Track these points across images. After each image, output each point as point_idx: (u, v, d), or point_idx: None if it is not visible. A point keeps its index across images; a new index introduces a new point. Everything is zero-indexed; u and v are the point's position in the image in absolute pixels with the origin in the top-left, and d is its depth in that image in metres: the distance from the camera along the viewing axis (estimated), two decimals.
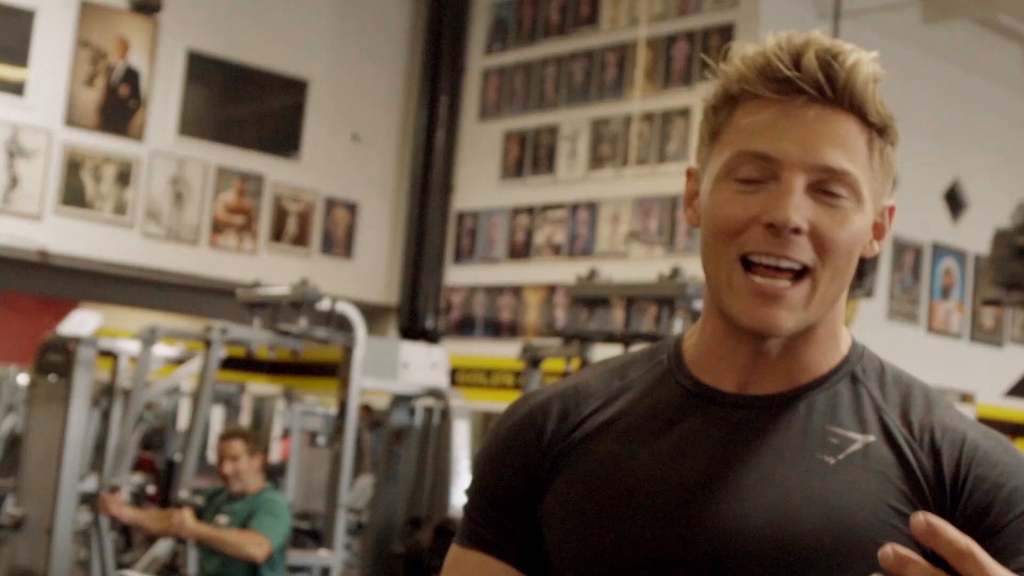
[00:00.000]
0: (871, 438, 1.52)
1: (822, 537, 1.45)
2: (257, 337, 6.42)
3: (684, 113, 14.04)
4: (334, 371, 6.93)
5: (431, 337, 16.20)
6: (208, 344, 6.37)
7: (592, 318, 5.16)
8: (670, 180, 14.13)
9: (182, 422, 13.63)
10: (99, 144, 14.90)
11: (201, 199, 15.60)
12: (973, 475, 1.48)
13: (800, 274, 1.50)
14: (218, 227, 15.76)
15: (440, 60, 16.65)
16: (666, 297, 5.02)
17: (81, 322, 8.25)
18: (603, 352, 5.31)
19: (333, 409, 7.93)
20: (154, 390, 8.90)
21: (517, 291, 15.82)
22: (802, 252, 1.48)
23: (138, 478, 11.63)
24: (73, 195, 14.71)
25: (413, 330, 16.33)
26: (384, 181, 17.12)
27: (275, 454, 13.72)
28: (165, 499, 10.74)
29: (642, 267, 12.90)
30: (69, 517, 6.86)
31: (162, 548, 8.22)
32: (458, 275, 16.57)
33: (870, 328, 14.67)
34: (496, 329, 15.94)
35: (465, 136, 16.72)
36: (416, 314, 16.42)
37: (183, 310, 16.28)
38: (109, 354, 7.69)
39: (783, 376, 1.56)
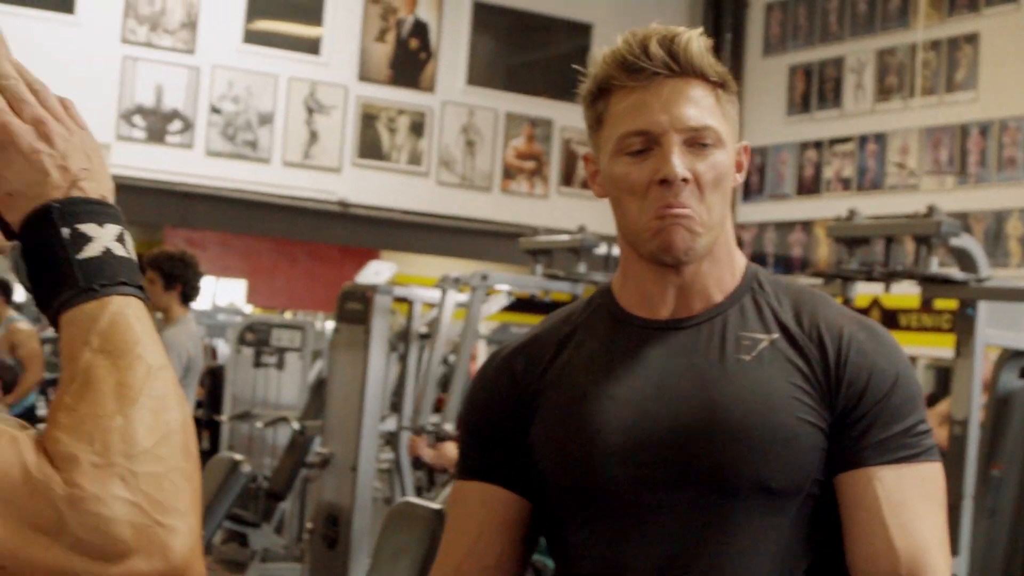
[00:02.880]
0: (775, 336, 1.93)
1: (751, 418, 1.86)
2: (527, 283, 6.74)
3: (972, 39, 13.72)
4: None
5: None
6: (474, 290, 6.76)
7: (852, 257, 5.31)
8: (959, 109, 13.84)
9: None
10: (392, 97, 15.42)
11: (492, 146, 15.99)
12: (850, 363, 1.89)
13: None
14: (509, 173, 16.13)
15: None
16: (922, 235, 5.17)
17: (377, 272, 8.64)
18: (864, 288, 5.49)
19: None
20: (449, 333, 9.24)
21: (807, 226, 15.78)
22: (690, 198, 1.88)
23: (436, 418, 12.09)
24: (369, 147, 15.29)
25: None
26: None
27: None
28: None
29: (933, 199, 12.74)
30: (372, 456, 7.20)
31: None
32: (748, 212, 16.58)
33: None
34: (788, 265, 15.93)
35: (750, 72, 16.68)
36: None
37: (476, 256, 16.72)
38: (404, 300, 8.02)
39: (701, 300, 1.97)
